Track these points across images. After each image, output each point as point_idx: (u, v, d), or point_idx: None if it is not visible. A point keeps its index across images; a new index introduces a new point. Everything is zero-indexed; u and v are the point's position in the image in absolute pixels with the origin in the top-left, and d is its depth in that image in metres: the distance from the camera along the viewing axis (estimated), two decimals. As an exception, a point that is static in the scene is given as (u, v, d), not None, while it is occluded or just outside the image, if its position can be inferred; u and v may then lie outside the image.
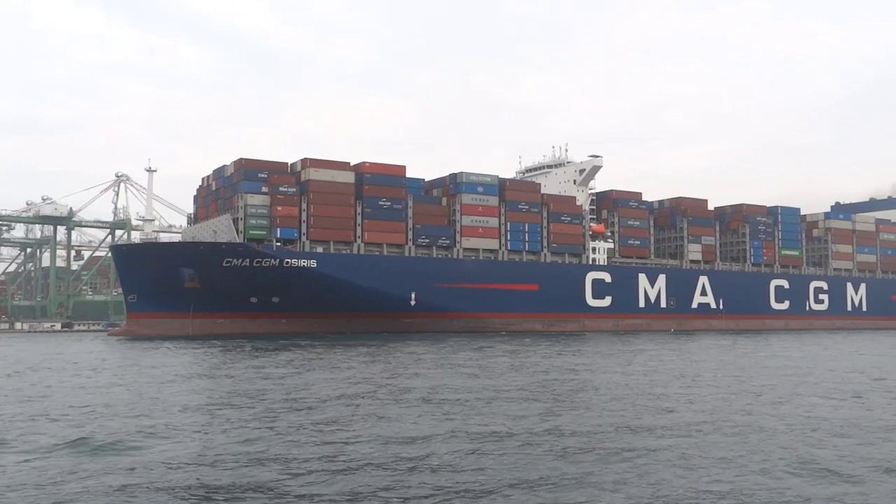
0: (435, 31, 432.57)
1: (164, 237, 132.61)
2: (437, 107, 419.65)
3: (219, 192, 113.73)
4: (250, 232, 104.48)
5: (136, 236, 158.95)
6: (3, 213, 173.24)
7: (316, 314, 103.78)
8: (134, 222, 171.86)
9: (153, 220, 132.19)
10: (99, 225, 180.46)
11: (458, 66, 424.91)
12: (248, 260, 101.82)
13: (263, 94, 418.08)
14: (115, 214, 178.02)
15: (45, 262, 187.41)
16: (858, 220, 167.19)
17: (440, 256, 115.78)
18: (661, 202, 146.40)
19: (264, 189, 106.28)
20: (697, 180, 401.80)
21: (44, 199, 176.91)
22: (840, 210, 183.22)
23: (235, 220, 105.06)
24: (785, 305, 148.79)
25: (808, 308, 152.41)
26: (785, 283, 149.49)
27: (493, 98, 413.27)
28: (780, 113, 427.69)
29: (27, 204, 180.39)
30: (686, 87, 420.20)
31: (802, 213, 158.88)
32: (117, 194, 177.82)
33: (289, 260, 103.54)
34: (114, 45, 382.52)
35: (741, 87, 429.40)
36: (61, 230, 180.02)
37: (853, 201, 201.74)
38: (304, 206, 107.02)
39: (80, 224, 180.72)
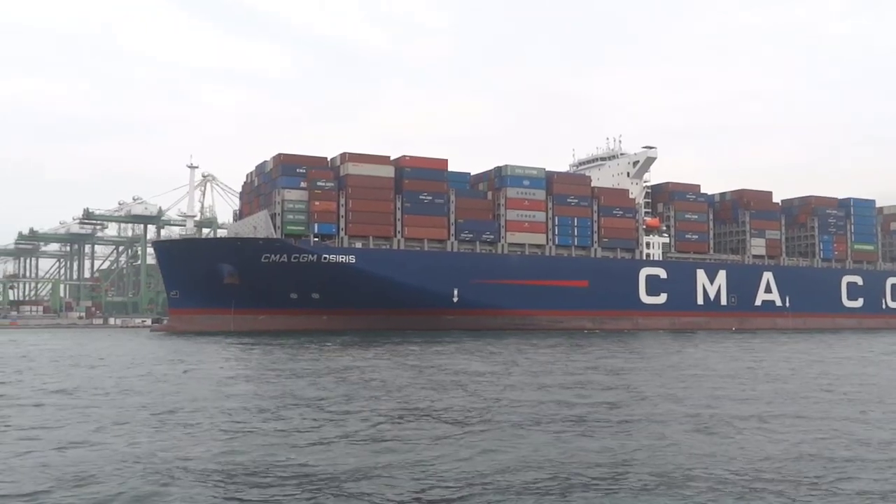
0: (509, 30, 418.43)
1: (213, 233, 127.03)
2: (511, 105, 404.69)
3: (260, 187, 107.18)
4: (287, 227, 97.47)
5: (174, 232, 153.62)
6: (97, 212, 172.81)
7: (355, 310, 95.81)
8: (220, 220, 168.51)
9: (195, 216, 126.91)
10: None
11: (530, 65, 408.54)
12: (285, 256, 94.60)
13: (346, 95, 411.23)
14: (201, 213, 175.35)
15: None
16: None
17: (484, 252, 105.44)
18: (722, 195, 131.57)
19: (302, 184, 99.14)
20: (771, 176, 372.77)
21: (134, 199, 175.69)
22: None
23: (273, 216, 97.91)
24: (858, 303, 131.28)
25: (884, 306, 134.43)
26: (858, 280, 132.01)
27: (570, 95, 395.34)
28: (861, 106, 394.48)
29: (119, 204, 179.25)
30: (764, 80, 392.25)
31: (878, 205, 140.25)
32: (203, 193, 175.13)
33: (327, 256, 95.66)
34: (199, 48, 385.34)
35: (820, 80, 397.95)
36: (151, 229, 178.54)
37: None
38: (342, 200, 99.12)
39: (169, 223, 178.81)
